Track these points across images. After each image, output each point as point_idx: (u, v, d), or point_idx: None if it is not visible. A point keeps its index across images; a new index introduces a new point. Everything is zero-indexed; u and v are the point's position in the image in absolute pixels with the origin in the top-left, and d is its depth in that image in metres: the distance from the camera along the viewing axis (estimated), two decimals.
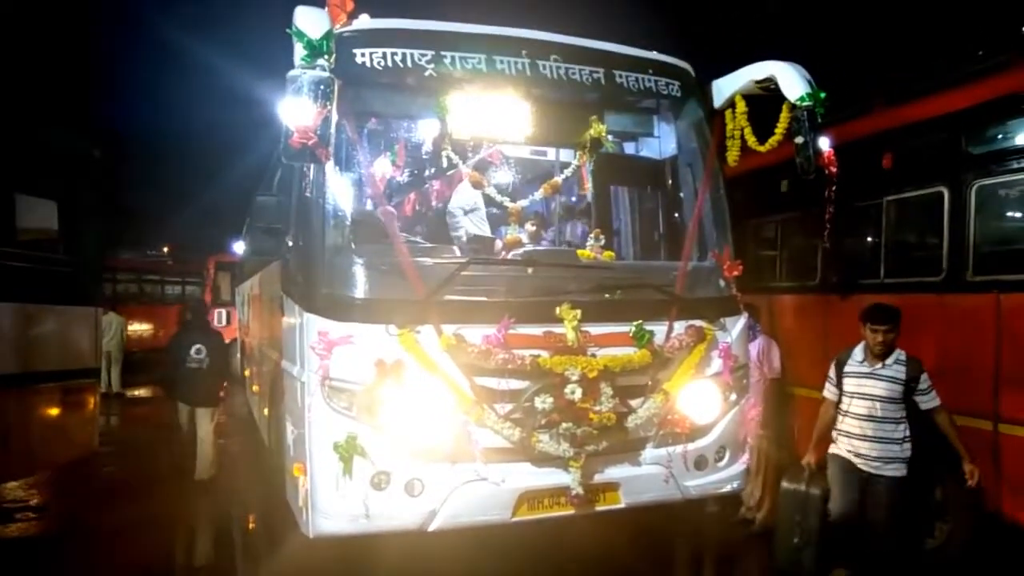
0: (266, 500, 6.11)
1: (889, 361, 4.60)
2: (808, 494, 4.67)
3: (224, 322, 16.08)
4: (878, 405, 4.59)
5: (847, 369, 4.75)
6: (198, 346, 7.25)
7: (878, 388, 4.59)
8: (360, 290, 4.22)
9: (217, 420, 7.61)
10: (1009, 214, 5.26)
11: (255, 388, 8.54)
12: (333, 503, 3.99)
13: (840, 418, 4.78)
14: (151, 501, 6.73)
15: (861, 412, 4.65)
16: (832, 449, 4.81)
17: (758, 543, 5.73)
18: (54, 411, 5.96)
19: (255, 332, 8.76)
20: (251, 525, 6.48)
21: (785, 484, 4.82)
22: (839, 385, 4.78)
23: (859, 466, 4.63)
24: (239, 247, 14.40)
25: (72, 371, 6.14)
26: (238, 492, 7.28)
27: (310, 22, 3.79)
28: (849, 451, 4.69)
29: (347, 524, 4.00)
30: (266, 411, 6.57)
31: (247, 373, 10.49)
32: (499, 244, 5.77)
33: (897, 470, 4.56)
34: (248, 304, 10.22)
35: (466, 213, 6.46)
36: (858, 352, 4.73)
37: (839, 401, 4.80)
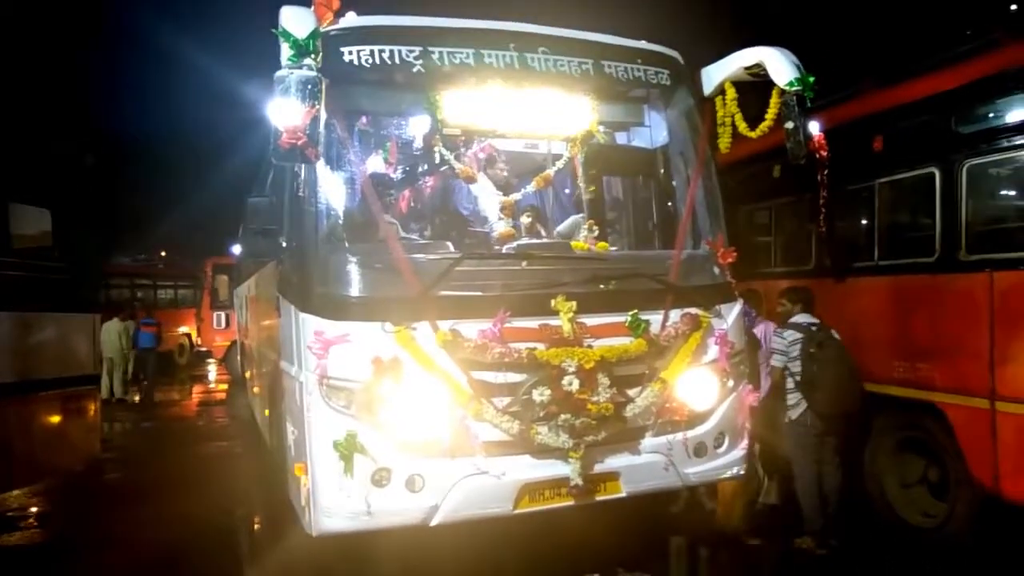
0: (269, 501, 6.12)
1: None
2: None
3: (223, 325, 16.13)
4: None
5: None
6: None
7: None
8: (355, 288, 4.23)
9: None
10: (1000, 192, 5.27)
11: (256, 390, 8.55)
12: (335, 501, 3.99)
13: None
14: (153, 506, 6.73)
15: None
16: None
17: (758, 525, 5.77)
18: (55, 419, 5.95)
19: (254, 334, 8.76)
20: (255, 526, 6.50)
21: None
22: None
23: None
24: (236, 249, 14.38)
25: (71, 378, 6.12)
26: (242, 494, 7.31)
27: (296, 22, 3.79)
28: None
29: (349, 522, 4.01)
30: (266, 412, 6.57)
31: (247, 375, 10.50)
32: (493, 237, 5.77)
33: None
34: (246, 306, 10.21)
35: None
36: None
37: None
